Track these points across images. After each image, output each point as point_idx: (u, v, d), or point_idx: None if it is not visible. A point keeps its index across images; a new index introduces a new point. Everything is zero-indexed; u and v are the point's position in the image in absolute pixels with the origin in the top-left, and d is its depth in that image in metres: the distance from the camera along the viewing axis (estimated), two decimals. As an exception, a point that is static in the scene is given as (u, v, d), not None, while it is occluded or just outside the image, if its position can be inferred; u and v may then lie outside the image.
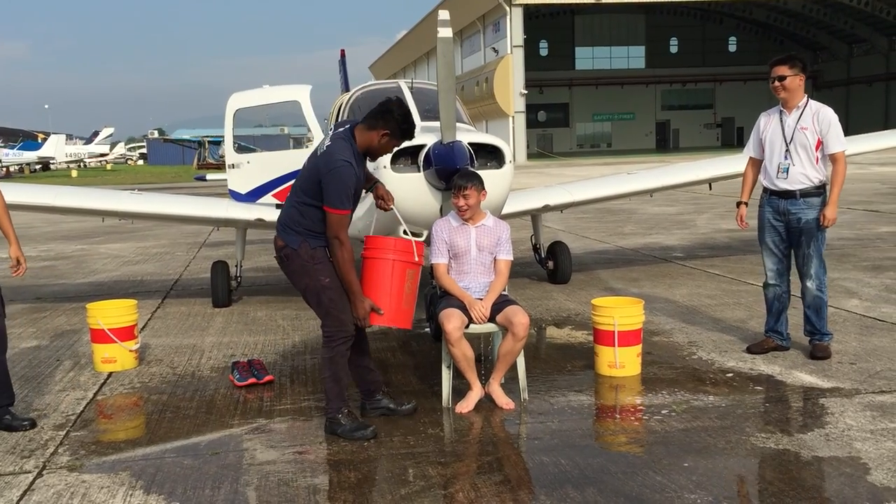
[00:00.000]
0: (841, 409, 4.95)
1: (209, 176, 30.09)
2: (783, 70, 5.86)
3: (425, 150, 5.95)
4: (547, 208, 9.34)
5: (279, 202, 8.82)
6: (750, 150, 6.24)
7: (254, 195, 9.12)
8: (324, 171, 4.65)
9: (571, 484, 4.04)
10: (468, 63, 59.25)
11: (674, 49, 74.74)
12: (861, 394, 5.20)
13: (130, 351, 6.47)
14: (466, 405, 5.15)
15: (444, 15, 5.65)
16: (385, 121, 4.80)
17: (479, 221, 5.36)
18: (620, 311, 5.76)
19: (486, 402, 5.24)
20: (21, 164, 65.46)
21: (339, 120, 7.92)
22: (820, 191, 5.92)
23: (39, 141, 77.90)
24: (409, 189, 5.88)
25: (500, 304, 5.24)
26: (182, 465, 4.45)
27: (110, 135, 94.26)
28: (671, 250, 12.00)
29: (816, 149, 5.85)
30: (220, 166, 35.76)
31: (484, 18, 55.13)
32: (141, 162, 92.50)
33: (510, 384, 5.39)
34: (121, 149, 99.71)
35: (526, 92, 50.81)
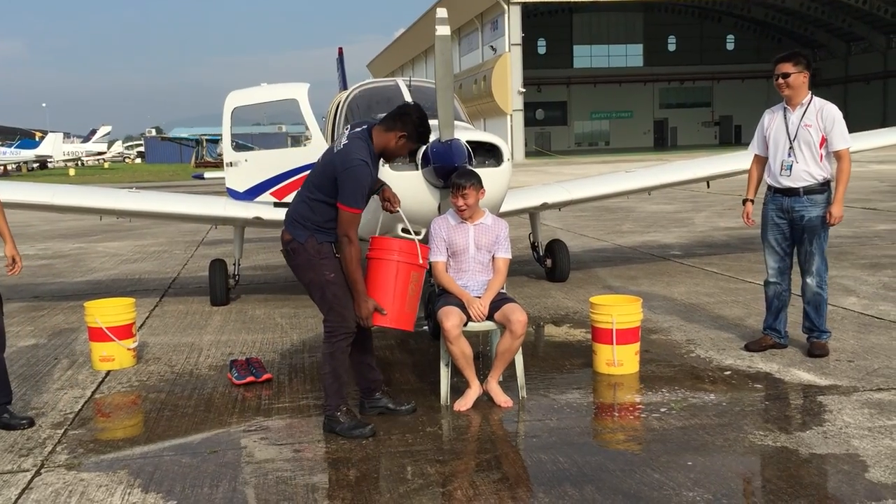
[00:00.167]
0: (839, 406, 4.96)
1: (207, 174, 30.02)
2: (787, 67, 5.85)
3: (423, 148, 5.95)
4: (545, 206, 9.35)
5: (277, 200, 8.80)
6: (755, 147, 6.23)
7: (252, 193, 9.10)
8: (340, 169, 4.68)
9: (570, 482, 4.04)
10: (466, 61, 59.26)
11: (672, 47, 74.80)
12: (859, 391, 5.21)
13: (128, 349, 6.47)
14: (465, 403, 5.16)
15: (442, 13, 5.64)
16: (403, 123, 4.85)
17: (478, 219, 5.36)
18: (618, 310, 5.77)
19: (485, 400, 5.24)
20: (18, 163, 65.43)
21: (339, 119, 7.91)
22: (824, 188, 5.91)
23: (37, 139, 77.71)
24: (408, 187, 5.87)
25: (499, 302, 5.24)
26: (180, 464, 4.45)
27: (108, 133, 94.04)
28: (669, 248, 12.01)
29: (820, 146, 5.84)
30: (217, 164, 35.68)
31: (482, 16, 55.14)
32: (139, 160, 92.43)
33: (508, 382, 5.40)
34: (118, 147, 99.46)
35: (524, 90, 50.87)
